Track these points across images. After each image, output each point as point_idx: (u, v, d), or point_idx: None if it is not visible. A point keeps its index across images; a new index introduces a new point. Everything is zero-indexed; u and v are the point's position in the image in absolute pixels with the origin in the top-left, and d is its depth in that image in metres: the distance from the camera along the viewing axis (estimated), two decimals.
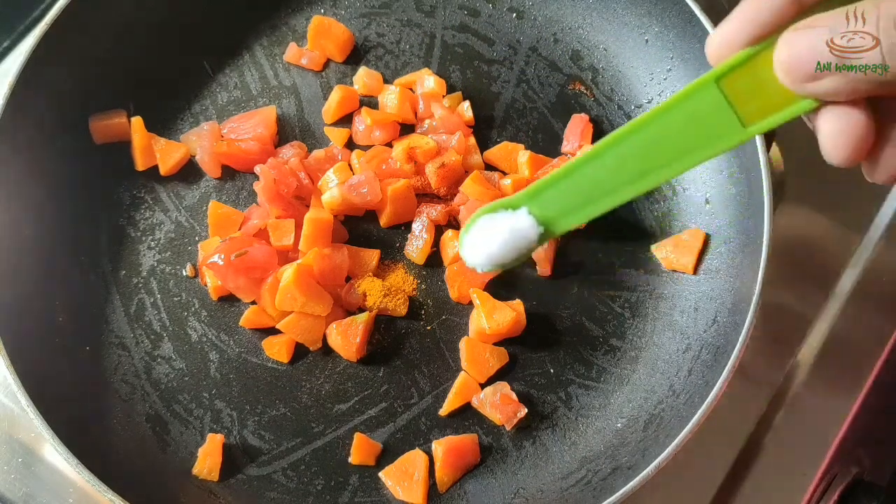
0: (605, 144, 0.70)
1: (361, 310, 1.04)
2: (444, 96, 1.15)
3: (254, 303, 1.04)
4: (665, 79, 1.13)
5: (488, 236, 0.77)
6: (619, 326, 1.05)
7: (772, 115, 0.64)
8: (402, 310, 1.05)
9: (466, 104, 1.14)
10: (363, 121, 1.13)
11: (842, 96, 0.60)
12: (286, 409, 1.01)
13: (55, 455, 1.00)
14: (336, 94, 1.14)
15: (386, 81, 1.17)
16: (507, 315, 1.01)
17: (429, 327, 1.05)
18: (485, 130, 1.15)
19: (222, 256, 1.01)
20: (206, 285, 1.06)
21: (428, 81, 1.15)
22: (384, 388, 1.02)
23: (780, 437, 1.04)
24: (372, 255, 1.07)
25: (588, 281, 1.07)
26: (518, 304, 1.03)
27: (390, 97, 1.14)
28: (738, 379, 0.91)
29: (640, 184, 0.70)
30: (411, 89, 1.16)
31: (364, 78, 1.16)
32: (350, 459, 0.99)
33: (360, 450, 0.99)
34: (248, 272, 1.02)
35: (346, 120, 1.15)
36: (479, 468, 0.99)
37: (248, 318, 1.04)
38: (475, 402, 1.01)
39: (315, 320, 1.02)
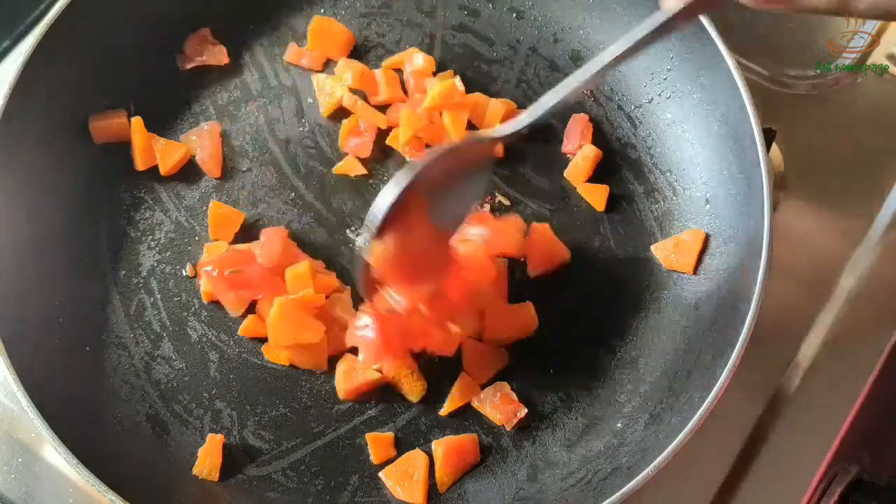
0: None
1: None
2: (434, 73, 1.14)
3: (252, 312, 1.04)
4: (665, 79, 1.13)
5: None
6: (620, 326, 1.05)
7: None
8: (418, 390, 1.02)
9: (457, 79, 1.13)
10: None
11: None
12: (286, 409, 1.01)
13: (55, 455, 1.00)
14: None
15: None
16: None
17: None
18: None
19: (216, 270, 1.01)
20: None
21: (417, 59, 1.14)
22: (384, 388, 1.02)
23: (780, 437, 1.04)
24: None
25: (588, 281, 1.07)
26: (529, 307, 1.03)
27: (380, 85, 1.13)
28: (738, 379, 0.91)
29: None
30: (400, 69, 1.16)
31: (346, 71, 1.13)
32: (372, 460, 0.99)
33: (377, 447, 0.98)
34: (237, 287, 1.01)
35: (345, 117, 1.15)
36: (479, 468, 0.99)
37: (246, 327, 1.03)
38: (475, 402, 1.01)
39: (315, 347, 1.00)
